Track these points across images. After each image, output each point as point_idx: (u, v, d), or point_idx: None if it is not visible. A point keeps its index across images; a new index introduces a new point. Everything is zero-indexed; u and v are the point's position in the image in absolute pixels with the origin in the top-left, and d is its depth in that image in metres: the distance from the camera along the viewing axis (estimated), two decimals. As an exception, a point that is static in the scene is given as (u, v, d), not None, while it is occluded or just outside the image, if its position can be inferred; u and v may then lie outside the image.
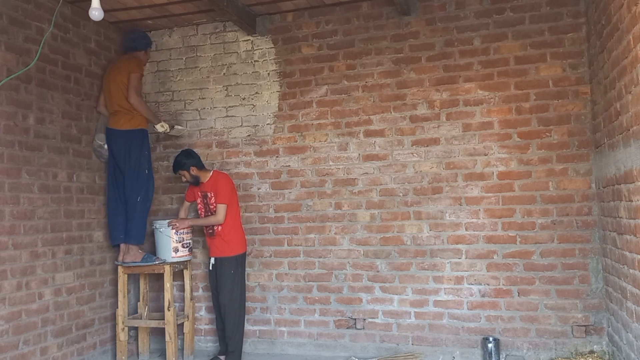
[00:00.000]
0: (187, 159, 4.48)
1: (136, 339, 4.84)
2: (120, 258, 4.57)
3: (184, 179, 4.56)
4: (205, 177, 4.53)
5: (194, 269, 4.97)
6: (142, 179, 4.55)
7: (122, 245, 4.58)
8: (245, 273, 4.60)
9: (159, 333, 4.86)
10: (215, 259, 4.45)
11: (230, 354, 4.36)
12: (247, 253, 4.65)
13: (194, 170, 4.48)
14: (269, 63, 4.91)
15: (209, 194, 4.48)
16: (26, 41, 3.99)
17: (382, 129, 4.59)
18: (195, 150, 5.06)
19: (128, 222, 4.55)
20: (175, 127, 4.92)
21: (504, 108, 4.32)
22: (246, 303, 4.65)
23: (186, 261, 4.71)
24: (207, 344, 4.94)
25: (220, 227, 4.42)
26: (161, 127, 4.71)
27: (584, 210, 4.12)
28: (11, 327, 3.74)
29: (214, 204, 4.44)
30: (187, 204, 4.75)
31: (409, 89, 4.54)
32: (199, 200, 4.57)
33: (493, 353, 4.11)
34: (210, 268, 4.50)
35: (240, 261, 4.47)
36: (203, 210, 4.55)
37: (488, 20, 4.38)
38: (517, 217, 4.25)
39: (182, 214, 4.75)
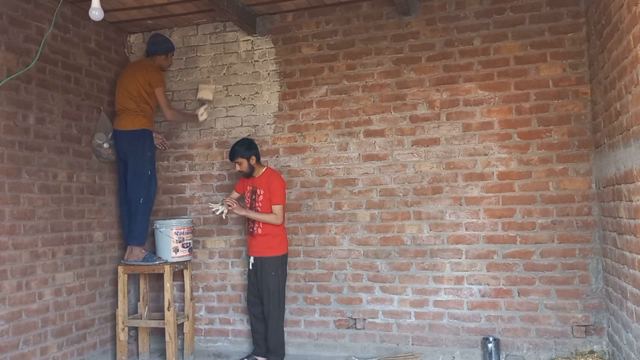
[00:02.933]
0: (249, 149, 4.35)
1: (136, 339, 4.84)
2: (125, 257, 4.61)
3: (237, 168, 4.41)
4: (259, 172, 4.42)
5: (194, 269, 4.97)
6: (144, 180, 4.55)
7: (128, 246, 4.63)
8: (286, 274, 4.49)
9: (159, 333, 4.86)
10: (255, 259, 4.35)
11: (273, 354, 4.32)
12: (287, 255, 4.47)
13: (253, 161, 4.37)
14: (269, 63, 4.91)
15: (258, 191, 4.36)
16: (26, 41, 3.99)
17: (382, 129, 4.59)
18: (195, 150, 5.08)
19: (130, 224, 4.58)
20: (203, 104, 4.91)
21: (504, 108, 4.32)
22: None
23: (186, 261, 4.71)
24: (207, 344, 4.94)
25: (261, 227, 4.34)
26: (202, 116, 4.78)
27: (584, 210, 4.12)
28: (11, 327, 3.74)
29: (261, 202, 4.33)
30: (235, 194, 4.58)
31: (409, 89, 4.54)
32: (247, 195, 4.47)
33: (493, 353, 4.11)
34: (250, 267, 4.38)
35: (282, 262, 4.36)
36: (249, 205, 4.43)
37: (488, 20, 4.38)
38: (517, 217, 4.25)
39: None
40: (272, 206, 4.31)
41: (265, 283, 4.30)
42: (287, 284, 4.73)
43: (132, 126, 4.53)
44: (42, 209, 4.07)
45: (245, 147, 4.35)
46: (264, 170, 4.45)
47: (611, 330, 3.86)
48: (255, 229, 4.36)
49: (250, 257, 4.40)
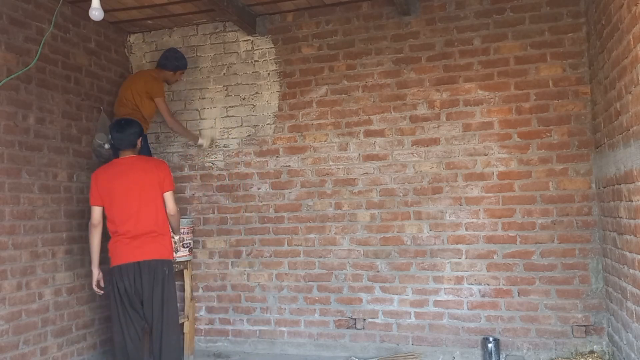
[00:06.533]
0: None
1: (136, 339, 4.84)
2: None
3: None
4: None
5: (194, 269, 4.97)
6: None
7: None
8: (114, 291, 3.67)
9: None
10: None
11: None
12: (120, 266, 3.63)
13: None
14: (269, 63, 4.91)
15: None
16: (26, 41, 3.99)
17: (382, 129, 4.59)
18: (195, 149, 5.07)
19: None
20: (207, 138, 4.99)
21: (504, 108, 4.32)
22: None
23: (186, 261, 4.71)
24: (207, 344, 4.94)
25: None
26: (203, 141, 4.91)
27: (584, 210, 4.12)
28: (11, 327, 3.74)
29: None
30: None
31: (409, 89, 4.54)
32: None
33: (493, 353, 4.11)
34: None
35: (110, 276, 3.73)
36: None
37: (488, 20, 4.38)
38: (517, 217, 4.25)
39: None
40: None
41: None
42: (286, 283, 4.73)
43: None
44: (42, 209, 4.07)
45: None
46: None
47: (611, 330, 3.86)
48: None
49: None
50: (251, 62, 4.96)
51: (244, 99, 4.97)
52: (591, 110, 4.13)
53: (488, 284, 4.28)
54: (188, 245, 4.66)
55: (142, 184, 3.70)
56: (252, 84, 4.95)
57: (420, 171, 4.48)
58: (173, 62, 4.70)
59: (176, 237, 4.12)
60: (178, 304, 4.88)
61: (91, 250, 3.77)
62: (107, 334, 4.69)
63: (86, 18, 4.21)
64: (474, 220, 4.34)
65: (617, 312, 3.60)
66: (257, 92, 4.93)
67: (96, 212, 3.70)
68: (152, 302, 3.66)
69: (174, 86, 5.14)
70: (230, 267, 4.94)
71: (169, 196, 3.78)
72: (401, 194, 4.52)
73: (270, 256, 4.82)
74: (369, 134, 4.63)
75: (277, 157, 4.86)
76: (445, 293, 4.38)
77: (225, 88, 5.03)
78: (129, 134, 3.78)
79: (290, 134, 4.83)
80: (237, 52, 5.01)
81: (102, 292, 3.81)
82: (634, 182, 3.00)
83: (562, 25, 4.22)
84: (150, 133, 5.15)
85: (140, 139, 3.93)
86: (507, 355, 4.19)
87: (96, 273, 3.79)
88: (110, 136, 3.88)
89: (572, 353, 4.06)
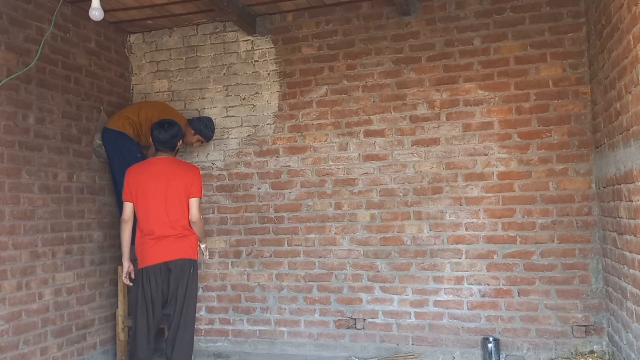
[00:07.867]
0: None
1: (136, 339, 4.84)
2: None
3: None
4: None
5: (194, 269, 4.97)
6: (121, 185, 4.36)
7: None
8: (139, 293, 3.71)
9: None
10: None
11: None
12: (147, 268, 3.69)
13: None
14: (269, 63, 4.91)
15: None
16: (26, 41, 3.99)
17: (382, 129, 4.59)
18: (195, 150, 5.08)
19: None
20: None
21: (504, 108, 4.32)
22: (197, 314, 4.33)
23: (186, 261, 4.70)
24: (207, 344, 4.94)
25: None
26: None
27: (584, 210, 4.12)
28: (11, 327, 3.74)
29: None
30: None
31: (409, 89, 4.54)
32: None
33: (493, 353, 4.11)
34: None
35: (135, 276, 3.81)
36: None
37: (488, 20, 4.38)
38: (517, 217, 4.25)
39: None
40: None
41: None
42: (286, 283, 4.74)
43: (115, 125, 4.50)
44: (42, 209, 4.07)
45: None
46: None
47: (611, 330, 3.87)
48: None
49: None
50: (251, 62, 4.96)
51: (244, 99, 4.97)
52: (591, 110, 4.13)
53: (488, 284, 4.28)
54: (188, 245, 4.64)
55: (170, 186, 3.72)
56: (252, 84, 4.95)
57: (420, 171, 4.49)
58: (199, 125, 4.63)
59: (202, 246, 4.02)
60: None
61: (122, 244, 3.85)
62: (107, 334, 4.69)
63: (86, 18, 4.22)
64: (474, 220, 4.34)
65: (617, 312, 3.60)
66: (257, 92, 4.93)
67: (127, 207, 3.76)
68: (176, 299, 3.73)
69: (174, 86, 5.14)
70: (230, 267, 4.94)
71: (194, 202, 3.78)
72: (401, 194, 4.52)
73: (270, 256, 4.82)
74: (369, 134, 4.63)
75: (277, 157, 4.86)
76: (445, 293, 4.38)
77: (225, 88, 5.03)
78: (171, 136, 3.80)
79: (290, 134, 4.83)
80: (237, 52, 5.01)
81: (131, 283, 3.84)
82: (634, 182, 3.00)
83: (562, 25, 4.22)
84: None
85: (180, 141, 3.96)
86: (507, 355, 4.19)
87: (127, 265, 3.86)
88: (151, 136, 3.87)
89: (572, 353, 4.06)
